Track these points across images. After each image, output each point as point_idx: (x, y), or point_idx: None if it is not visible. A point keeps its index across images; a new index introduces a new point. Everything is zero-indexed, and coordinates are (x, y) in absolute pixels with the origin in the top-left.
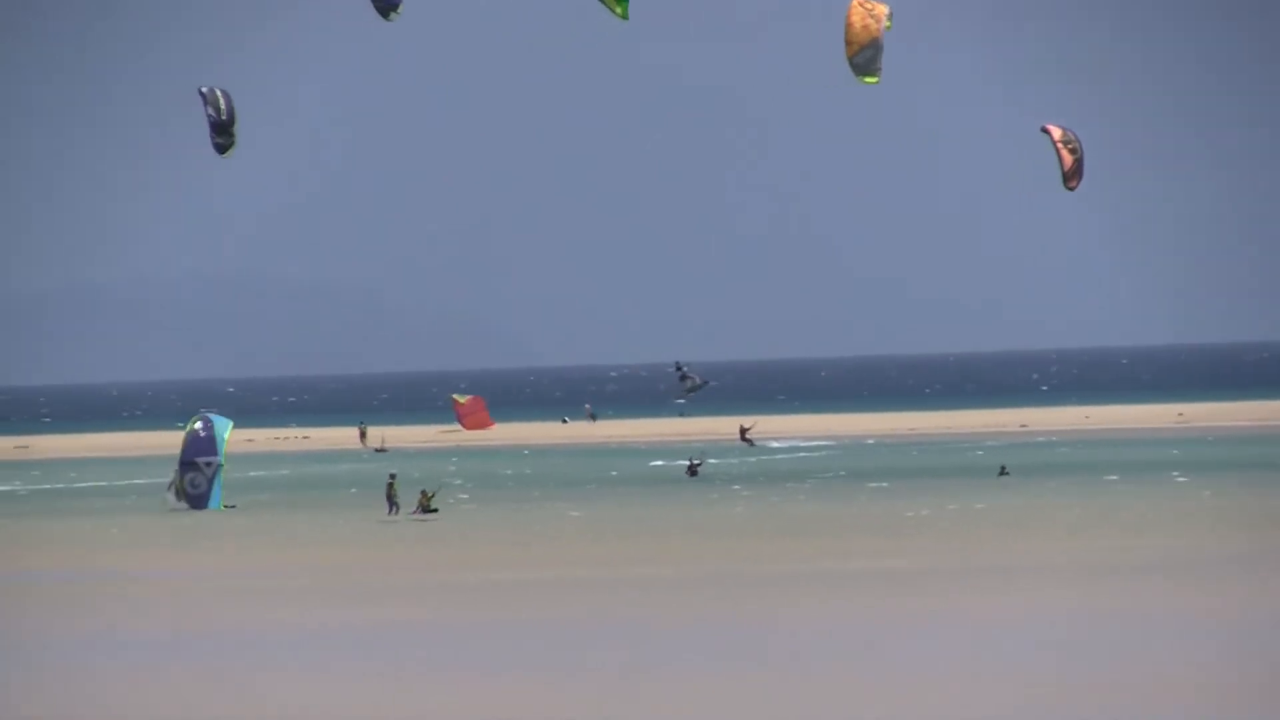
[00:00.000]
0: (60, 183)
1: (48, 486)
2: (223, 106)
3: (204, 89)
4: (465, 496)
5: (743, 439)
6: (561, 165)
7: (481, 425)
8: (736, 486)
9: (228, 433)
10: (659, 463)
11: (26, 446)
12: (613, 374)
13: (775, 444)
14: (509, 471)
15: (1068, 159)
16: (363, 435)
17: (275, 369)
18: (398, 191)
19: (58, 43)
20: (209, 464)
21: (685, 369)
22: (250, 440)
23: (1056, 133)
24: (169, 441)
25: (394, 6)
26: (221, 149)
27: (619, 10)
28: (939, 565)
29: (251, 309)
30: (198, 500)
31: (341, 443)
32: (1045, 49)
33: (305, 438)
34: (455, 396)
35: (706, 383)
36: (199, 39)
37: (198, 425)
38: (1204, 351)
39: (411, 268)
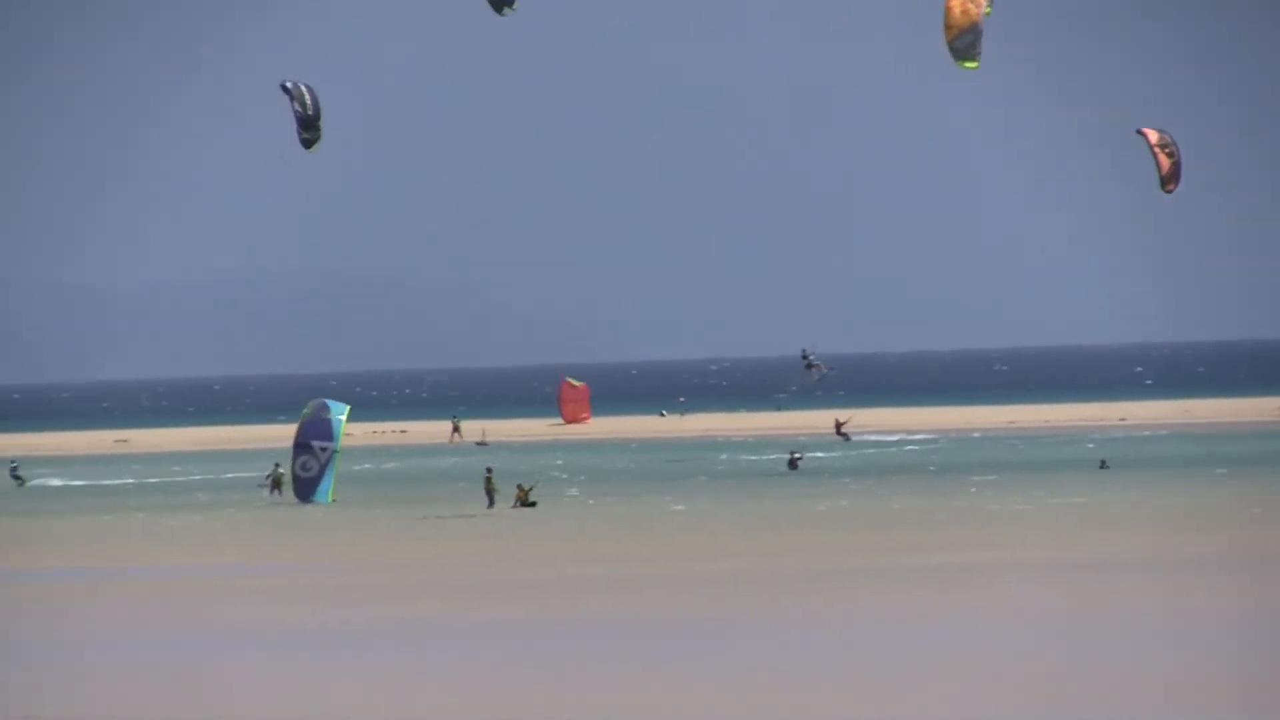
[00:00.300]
0: (153, 179)
1: (155, 480)
2: (308, 101)
3: (288, 84)
4: (575, 492)
5: (838, 433)
6: (657, 161)
7: (577, 417)
8: (839, 480)
9: (344, 416)
10: (755, 457)
11: (126, 440)
12: (713, 367)
13: (873, 437)
14: (610, 465)
15: (1165, 163)
16: (455, 430)
17: (371, 363)
18: (495, 186)
19: (111, 38)
20: (324, 449)
21: (811, 356)
22: (349, 435)
23: (1153, 136)
24: (267, 435)
25: (509, 2)
26: (308, 144)
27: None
28: (1027, 559)
29: (347, 303)
30: (307, 485)
31: (440, 437)
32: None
33: (403, 431)
34: (569, 380)
35: (829, 370)
36: (251, 35)
37: (314, 410)
38: (1253, 348)
39: (511, 262)
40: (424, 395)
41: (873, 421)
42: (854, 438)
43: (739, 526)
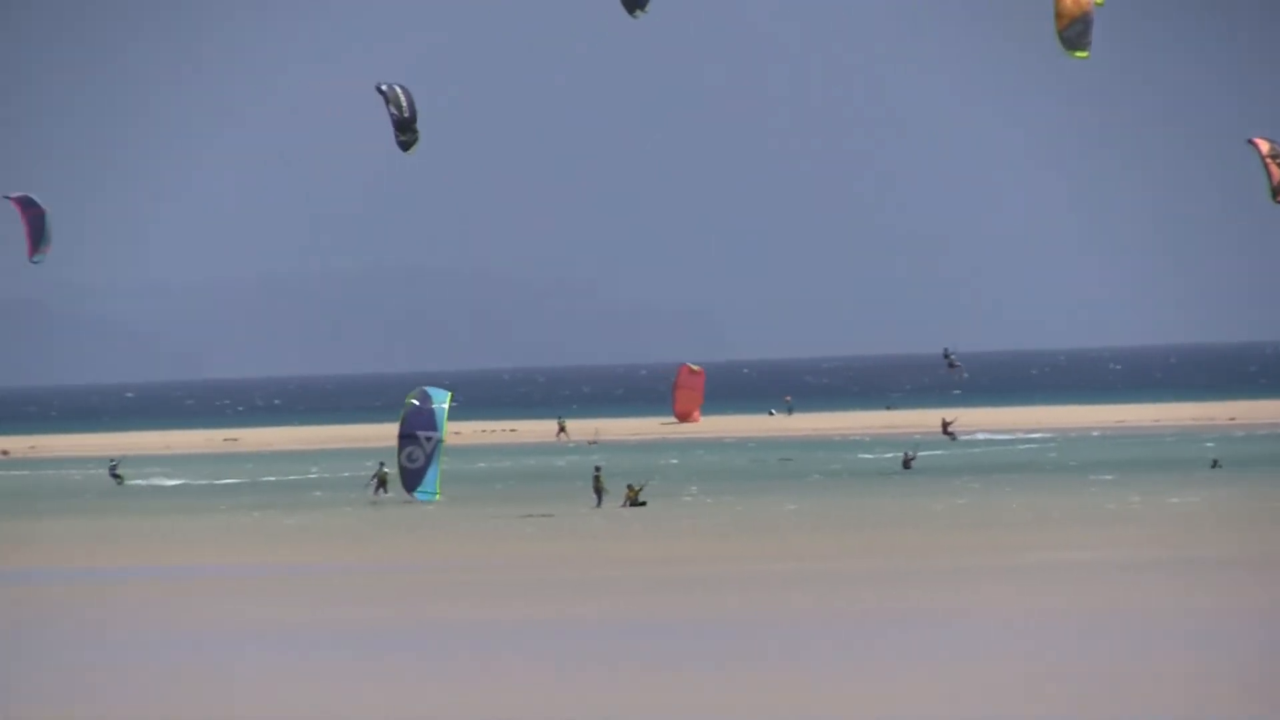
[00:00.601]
0: (250, 178)
1: (271, 479)
2: (403, 104)
3: (383, 87)
4: (692, 490)
5: (945, 432)
6: (771, 160)
7: (688, 411)
8: (955, 479)
9: (446, 403)
10: (869, 456)
11: (236, 439)
12: (825, 365)
13: (983, 436)
14: (720, 464)
15: (1276, 173)
16: (561, 429)
17: (481, 362)
18: (604, 182)
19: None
20: (429, 438)
21: (953, 356)
22: (457, 433)
23: (1264, 146)
24: (374, 434)
25: (641, 5)
26: (405, 146)
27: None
28: (1126, 558)
29: (456, 302)
30: (413, 476)
31: (549, 436)
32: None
33: (512, 430)
34: (689, 365)
35: (966, 374)
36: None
37: (416, 400)
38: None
39: (619, 260)
40: (530, 394)
41: (981, 421)
42: (961, 437)
43: (851, 525)
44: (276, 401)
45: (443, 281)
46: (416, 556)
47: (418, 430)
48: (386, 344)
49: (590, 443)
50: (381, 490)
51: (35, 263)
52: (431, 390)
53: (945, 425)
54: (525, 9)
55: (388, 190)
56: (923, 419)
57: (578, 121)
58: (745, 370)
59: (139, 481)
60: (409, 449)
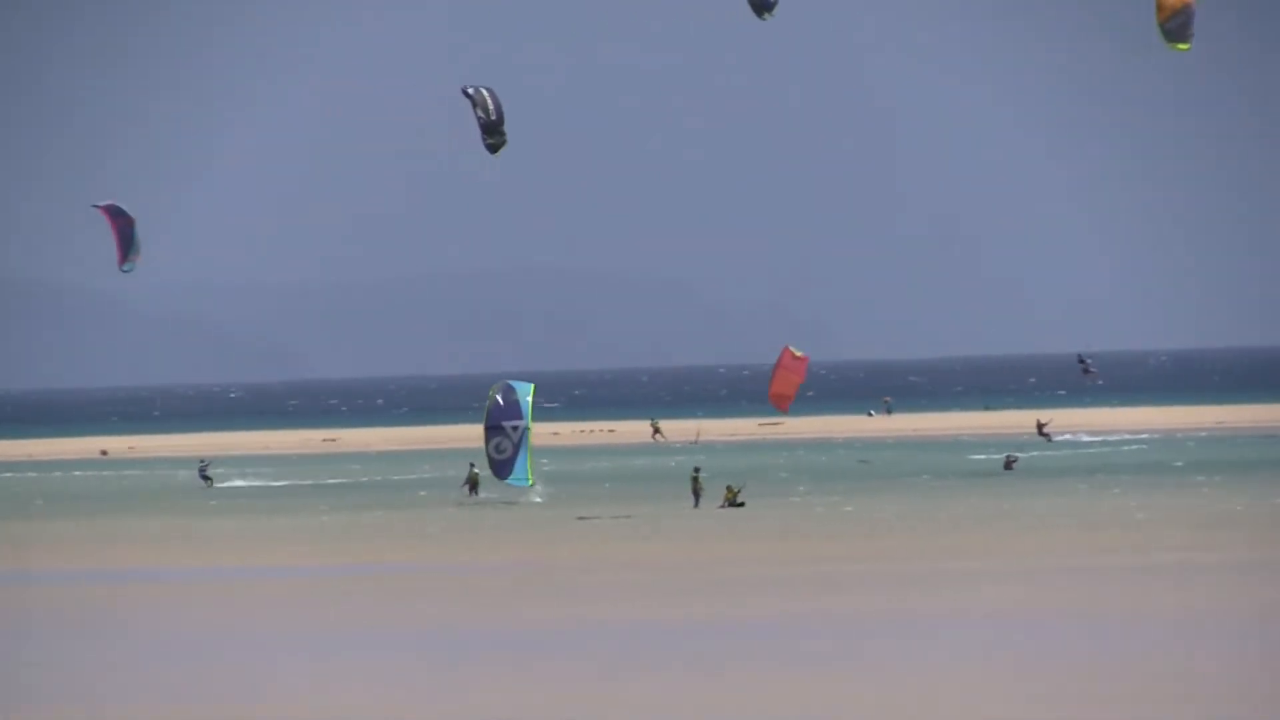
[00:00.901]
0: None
1: (378, 479)
2: (490, 107)
3: (469, 90)
4: (800, 489)
5: (1040, 433)
6: (865, 162)
7: (783, 394)
8: (1059, 480)
9: (530, 395)
10: (971, 456)
11: (335, 439)
12: (924, 365)
13: (1087, 438)
14: (820, 464)
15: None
16: (656, 430)
17: (582, 362)
18: (708, 185)
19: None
20: (515, 428)
21: (1088, 361)
22: (556, 434)
23: None
24: (468, 434)
25: (769, 7)
26: (493, 149)
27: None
28: (1250, 559)
29: (557, 303)
30: (503, 466)
31: (648, 436)
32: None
33: (611, 431)
34: (792, 348)
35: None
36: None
37: (499, 394)
38: None
39: (722, 260)
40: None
41: (1074, 422)
42: (1056, 438)
43: (949, 526)
44: (379, 402)
45: (547, 281)
46: (511, 557)
47: (503, 422)
48: (490, 344)
49: (692, 443)
50: (473, 492)
51: (125, 271)
52: (514, 383)
53: (1040, 426)
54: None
55: (488, 191)
56: (1020, 419)
57: (673, 121)
58: (860, 375)
59: (236, 483)
60: (496, 440)
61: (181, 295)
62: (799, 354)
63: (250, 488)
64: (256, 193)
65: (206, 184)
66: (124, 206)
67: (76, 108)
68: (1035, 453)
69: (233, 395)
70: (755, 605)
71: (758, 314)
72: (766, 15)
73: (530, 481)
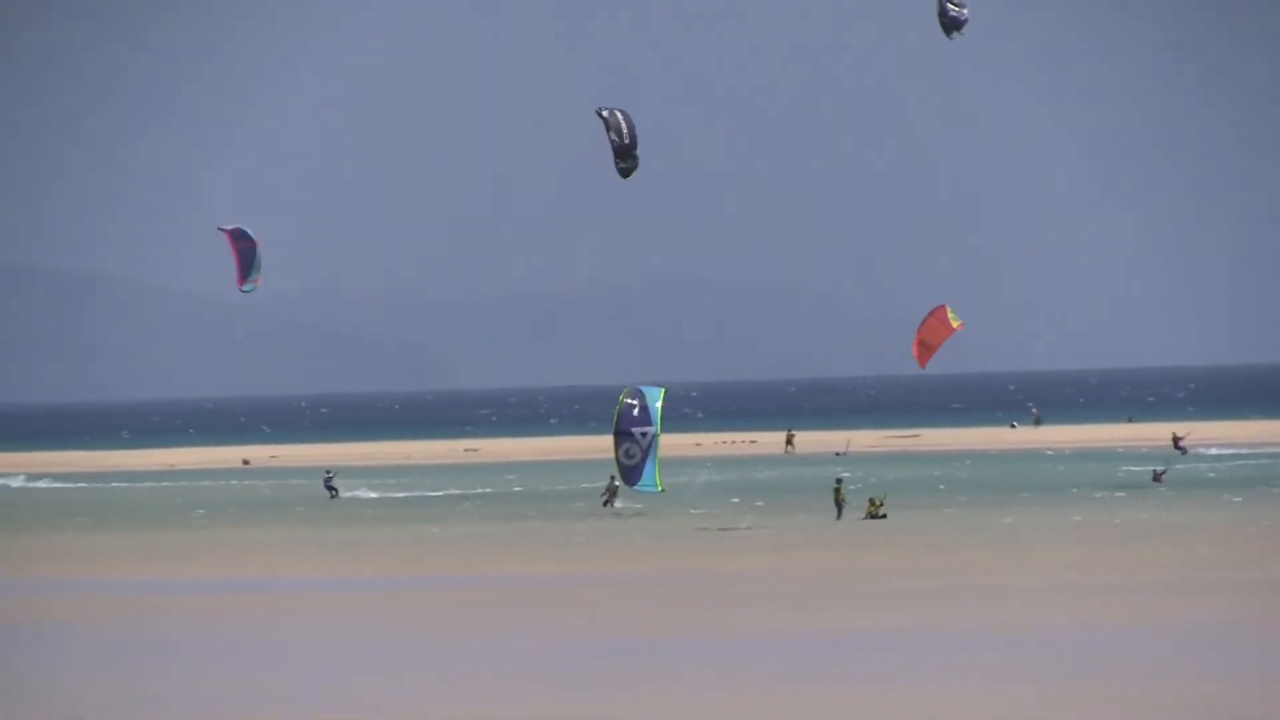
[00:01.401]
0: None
1: (516, 489)
2: (624, 130)
3: (604, 112)
4: (965, 500)
5: (1175, 446)
6: (1005, 171)
7: (924, 341)
8: (1209, 493)
9: (660, 401)
10: (1118, 469)
11: (477, 449)
12: (1074, 376)
13: (1223, 451)
14: (967, 475)
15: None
16: (789, 441)
17: (716, 374)
18: (846, 194)
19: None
20: (644, 434)
21: (1180, 439)
22: (699, 444)
23: None
24: (603, 446)
25: (958, 27)
26: (624, 173)
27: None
28: None
29: (684, 313)
30: (633, 472)
31: (819, 446)
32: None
33: (753, 442)
34: (949, 310)
35: None
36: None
37: (630, 399)
38: None
39: (864, 270)
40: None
41: (1210, 435)
42: (1191, 451)
43: (1092, 539)
44: (527, 413)
45: (692, 293)
46: (652, 567)
47: (632, 428)
48: (642, 356)
49: (840, 454)
50: (612, 502)
51: (245, 292)
52: (645, 388)
53: (1176, 440)
54: (759, 17)
55: (641, 202)
56: (1162, 432)
57: (819, 136)
58: (1011, 387)
59: (363, 494)
60: (625, 445)
61: (339, 305)
62: (955, 322)
63: (377, 499)
64: (420, 203)
65: (353, 189)
66: (248, 230)
67: (197, 118)
68: (1182, 465)
69: (398, 406)
70: (910, 615)
71: (905, 326)
72: (955, 35)
73: (660, 488)
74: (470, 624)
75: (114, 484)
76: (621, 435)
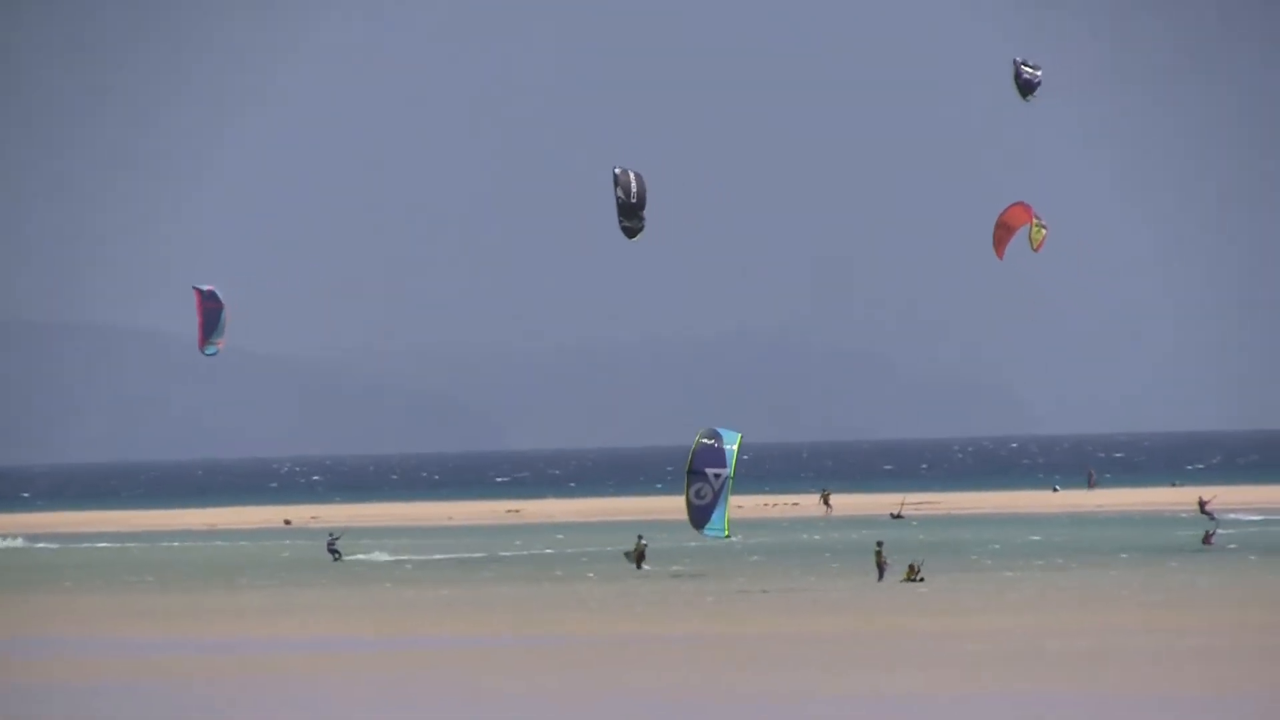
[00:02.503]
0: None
1: (549, 551)
2: (633, 190)
3: (617, 170)
4: (1004, 563)
5: (1202, 511)
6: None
7: (1008, 223)
8: (1256, 557)
9: (736, 445)
10: (1181, 533)
11: (519, 510)
12: (1121, 441)
13: (1247, 517)
14: (998, 545)
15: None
16: (824, 501)
17: (780, 434)
18: (899, 258)
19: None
20: (718, 475)
21: (1205, 504)
22: (740, 507)
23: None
24: (654, 506)
25: (1032, 90)
26: (629, 233)
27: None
28: None
29: (730, 372)
30: (701, 512)
31: (844, 509)
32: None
33: (795, 504)
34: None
35: None
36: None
37: (708, 439)
38: None
39: (915, 331)
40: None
41: (1234, 500)
42: (1218, 516)
43: (1132, 601)
44: (576, 473)
45: (739, 351)
46: (680, 629)
47: (706, 468)
48: (698, 414)
49: (894, 515)
50: (639, 565)
51: (208, 354)
52: (723, 430)
53: (1203, 504)
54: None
55: (688, 259)
56: (1208, 495)
57: (872, 196)
58: (1034, 449)
59: (378, 556)
60: (697, 485)
61: (392, 361)
62: (1039, 234)
63: (389, 562)
64: (449, 252)
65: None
66: (219, 292)
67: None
68: (1234, 530)
69: (436, 478)
70: (940, 680)
71: (958, 388)
72: (1030, 97)
73: (726, 533)
74: (483, 685)
75: (166, 543)
76: (695, 474)
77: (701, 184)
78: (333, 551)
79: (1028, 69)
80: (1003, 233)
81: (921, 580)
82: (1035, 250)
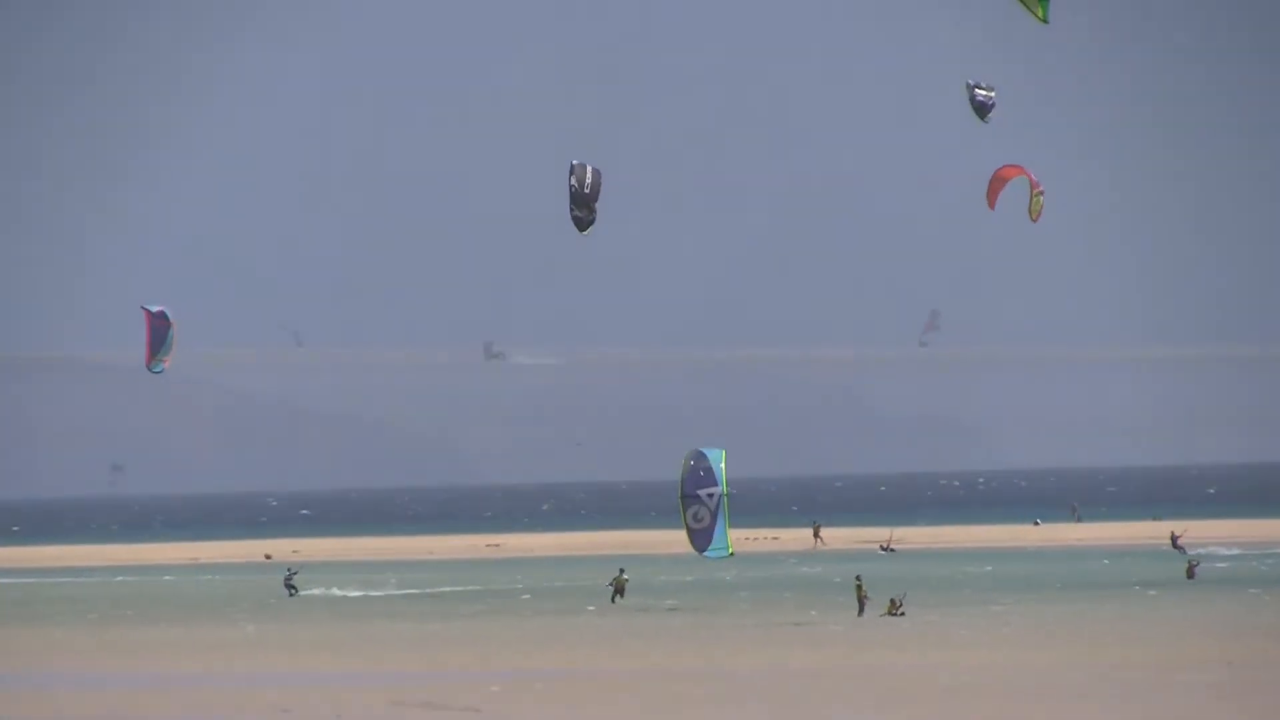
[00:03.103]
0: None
1: (525, 584)
2: (588, 181)
3: (575, 162)
4: (985, 597)
5: (1174, 546)
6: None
7: (1002, 176)
8: (1239, 588)
9: (722, 462)
10: (1162, 565)
11: (499, 544)
12: (1106, 478)
13: (1222, 551)
14: (980, 579)
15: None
16: (816, 535)
17: (776, 469)
18: (873, 295)
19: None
20: (710, 494)
21: (1177, 538)
22: (749, 538)
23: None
24: (641, 540)
25: (987, 111)
26: (579, 223)
27: (1039, 13)
28: None
29: (730, 400)
30: (701, 536)
31: (811, 542)
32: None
33: (775, 539)
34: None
35: None
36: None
37: (692, 460)
38: None
39: (884, 368)
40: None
41: (1208, 534)
42: (1189, 551)
43: (1117, 638)
44: (568, 509)
45: (737, 379)
46: (660, 663)
47: (698, 489)
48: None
49: (883, 548)
50: (619, 597)
51: (154, 371)
52: (705, 450)
53: (1174, 539)
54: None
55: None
56: (1189, 529)
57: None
58: (1022, 483)
59: (331, 591)
60: (693, 509)
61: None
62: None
63: (348, 597)
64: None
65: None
66: (169, 312)
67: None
68: (1222, 564)
69: (401, 501)
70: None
71: (910, 421)
72: (987, 118)
73: (730, 552)
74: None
75: (160, 577)
76: (689, 499)
77: (673, 214)
78: (289, 587)
79: (981, 90)
80: (997, 184)
81: (903, 614)
82: (1034, 220)
